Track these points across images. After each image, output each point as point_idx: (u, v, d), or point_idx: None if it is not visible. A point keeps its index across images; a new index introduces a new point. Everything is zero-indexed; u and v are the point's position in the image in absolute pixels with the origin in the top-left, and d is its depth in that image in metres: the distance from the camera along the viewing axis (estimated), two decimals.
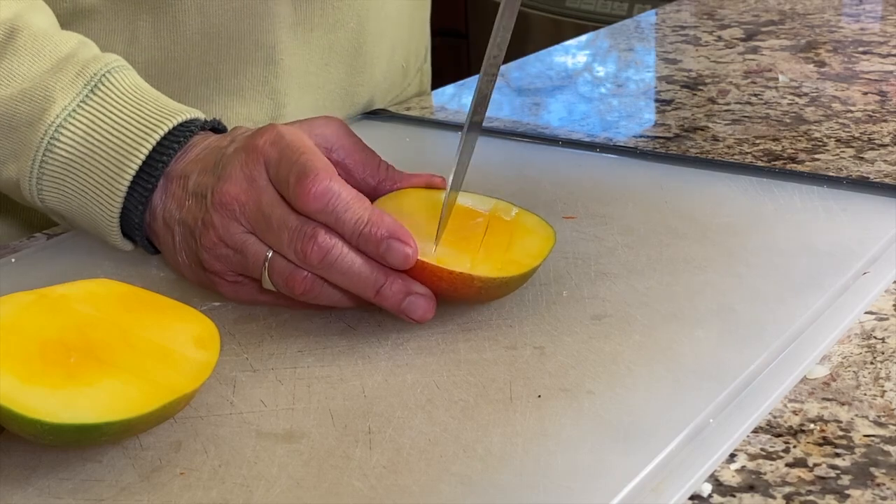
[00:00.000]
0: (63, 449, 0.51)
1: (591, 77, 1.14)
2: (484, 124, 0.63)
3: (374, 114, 0.99)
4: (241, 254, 0.60)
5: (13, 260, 0.73)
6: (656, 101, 1.03)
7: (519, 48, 1.14)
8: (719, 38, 1.23)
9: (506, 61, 1.17)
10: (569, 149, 0.89)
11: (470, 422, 0.53)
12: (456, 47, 2.71)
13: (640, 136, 0.93)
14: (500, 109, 1.03)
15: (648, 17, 1.37)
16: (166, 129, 0.65)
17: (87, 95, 0.66)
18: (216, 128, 0.68)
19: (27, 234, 0.84)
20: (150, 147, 0.64)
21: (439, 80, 1.14)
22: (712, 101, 1.01)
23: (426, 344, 0.60)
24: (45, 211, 0.69)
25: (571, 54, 1.22)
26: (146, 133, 0.65)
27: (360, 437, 0.52)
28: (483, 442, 0.51)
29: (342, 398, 0.55)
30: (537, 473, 0.49)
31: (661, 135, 0.93)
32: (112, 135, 0.65)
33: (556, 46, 1.25)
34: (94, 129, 0.65)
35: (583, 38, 1.28)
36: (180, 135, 0.65)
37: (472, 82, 1.13)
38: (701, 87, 1.05)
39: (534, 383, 0.56)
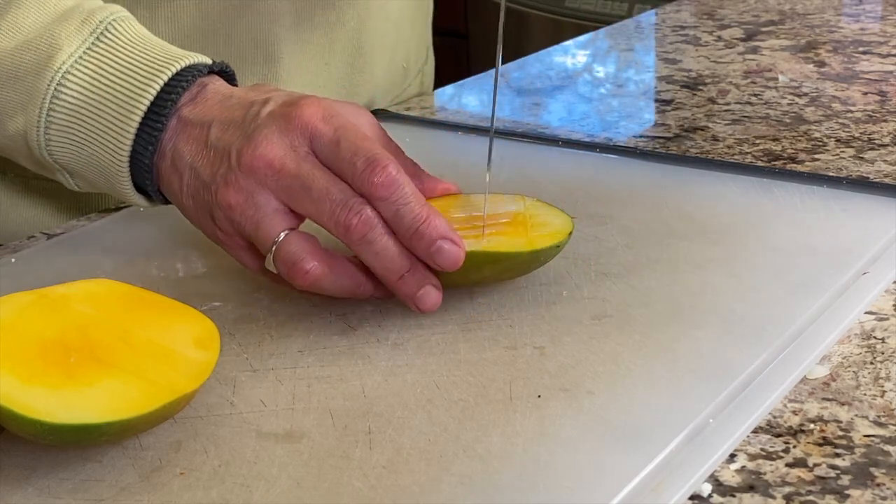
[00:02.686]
0: (63, 449, 0.51)
1: (591, 77, 1.14)
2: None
3: (374, 114, 0.99)
4: (254, 227, 0.60)
5: (13, 260, 0.73)
6: (656, 101, 1.03)
7: (519, 48, 1.14)
8: (719, 38, 1.23)
9: (505, 61, 1.17)
10: (569, 149, 0.89)
11: (470, 422, 0.53)
12: (456, 47, 2.71)
13: (640, 136, 0.93)
14: (501, 109, 1.03)
15: (648, 17, 1.37)
16: (176, 70, 0.64)
17: (93, 42, 0.65)
18: (224, 70, 0.67)
19: (35, 230, 0.84)
20: (159, 86, 0.64)
21: (439, 80, 1.14)
22: (712, 101, 1.01)
23: (426, 344, 0.60)
24: (52, 168, 0.68)
25: (571, 54, 1.22)
26: (155, 73, 0.64)
27: (360, 437, 0.52)
28: (483, 442, 0.51)
29: (342, 398, 0.55)
30: (537, 473, 0.49)
31: (661, 135, 0.93)
32: (120, 79, 0.64)
33: (556, 46, 1.25)
34: (101, 74, 0.65)
35: (583, 38, 1.28)
36: (188, 74, 0.64)
37: (472, 82, 1.13)
38: (701, 87, 1.05)
39: (534, 383, 0.56)
